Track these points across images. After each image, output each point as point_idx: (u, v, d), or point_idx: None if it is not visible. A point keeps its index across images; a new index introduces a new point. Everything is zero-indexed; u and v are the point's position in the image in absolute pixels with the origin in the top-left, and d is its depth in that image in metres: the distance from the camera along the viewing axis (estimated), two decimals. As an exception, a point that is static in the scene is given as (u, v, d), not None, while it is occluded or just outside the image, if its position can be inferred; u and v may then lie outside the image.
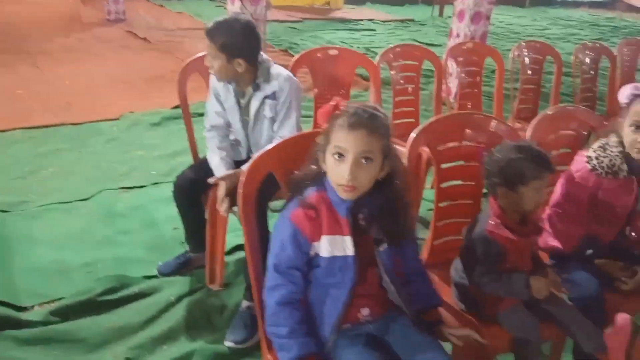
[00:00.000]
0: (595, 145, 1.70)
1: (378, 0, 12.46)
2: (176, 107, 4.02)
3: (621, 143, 1.66)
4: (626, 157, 1.64)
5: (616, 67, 3.68)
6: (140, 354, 1.90)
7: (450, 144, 1.72)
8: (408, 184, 1.36)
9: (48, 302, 2.13)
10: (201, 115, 2.47)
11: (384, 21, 10.06)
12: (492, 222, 1.48)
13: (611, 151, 1.65)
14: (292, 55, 6.34)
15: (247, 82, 2.03)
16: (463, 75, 3.16)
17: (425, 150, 1.80)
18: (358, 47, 7.50)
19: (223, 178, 1.93)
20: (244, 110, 2.09)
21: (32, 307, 2.11)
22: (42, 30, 6.82)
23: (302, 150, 1.36)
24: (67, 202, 2.86)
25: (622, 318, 1.44)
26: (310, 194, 1.29)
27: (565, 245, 1.74)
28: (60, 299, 2.14)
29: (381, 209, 1.30)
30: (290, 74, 2.09)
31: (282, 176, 1.42)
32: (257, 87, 2.03)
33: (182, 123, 2.38)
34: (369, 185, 1.26)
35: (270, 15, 9.30)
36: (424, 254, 1.79)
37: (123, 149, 3.62)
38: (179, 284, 2.25)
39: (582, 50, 3.51)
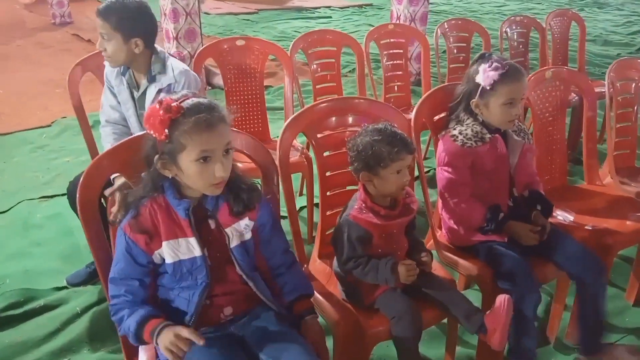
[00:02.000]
0: (451, 125, 1.75)
1: (337, -13, 12.32)
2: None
3: (471, 114, 1.73)
4: (481, 123, 1.72)
5: (546, 39, 3.66)
6: (38, 369, 1.84)
7: (329, 131, 1.67)
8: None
9: (-50, 322, 2.05)
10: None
11: (341, 8, 9.95)
12: (356, 207, 1.45)
13: (467, 123, 1.71)
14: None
15: (143, 70, 1.94)
16: (385, 59, 3.11)
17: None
18: (311, 35, 7.42)
19: (119, 188, 1.84)
20: (138, 102, 2.01)
21: None
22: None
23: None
24: (-18, 216, 2.77)
25: (501, 299, 1.42)
26: (145, 203, 1.23)
27: (472, 224, 1.73)
28: (-39, 317, 2.06)
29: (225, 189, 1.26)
30: (187, 67, 2.02)
31: (129, 177, 1.36)
32: (152, 79, 1.95)
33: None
34: None
35: (224, 8, 9.22)
36: (315, 244, 1.75)
37: (50, 157, 3.51)
38: (88, 293, 2.18)
39: (508, 24, 3.48)
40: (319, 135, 1.67)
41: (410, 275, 1.41)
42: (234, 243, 1.28)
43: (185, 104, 1.16)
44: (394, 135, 1.40)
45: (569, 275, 1.73)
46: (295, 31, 7.70)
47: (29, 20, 8.03)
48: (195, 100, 1.18)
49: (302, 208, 2.81)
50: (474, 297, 1.80)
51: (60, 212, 2.79)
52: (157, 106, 1.15)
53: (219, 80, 3.78)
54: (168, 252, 1.23)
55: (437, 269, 1.66)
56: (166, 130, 1.14)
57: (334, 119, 1.69)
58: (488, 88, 1.65)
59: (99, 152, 2.28)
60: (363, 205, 1.45)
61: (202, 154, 1.16)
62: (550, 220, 1.80)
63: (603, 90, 2.74)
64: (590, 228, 1.90)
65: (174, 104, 1.15)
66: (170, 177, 1.22)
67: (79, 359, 1.89)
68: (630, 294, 2.18)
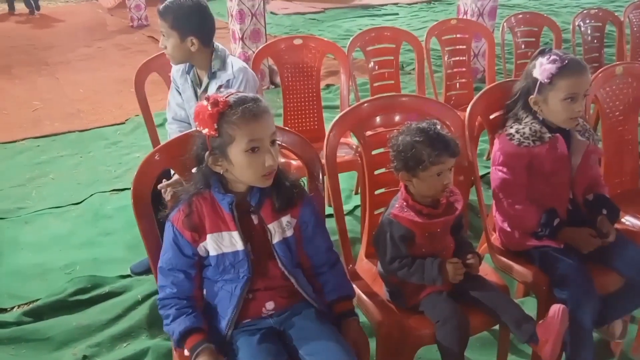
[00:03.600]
0: (508, 123, 1.68)
1: (406, -17, 12.13)
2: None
3: (530, 112, 1.65)
4: (541, 122, 1.65)
5: (623, 33, 3.41)
6: (98, 352, 1.96)
7: (378, 130, 1.65)
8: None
9: (26, 304, 2.23)
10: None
11: (409, 4, 9.80)
12: (397, 206, 1.42)
13: (525, 122, 1.63)
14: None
15: (203, 67, 2.02)
16: (447, 55, 3.03)
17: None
18: (376, 33, 7.37)
19: (171, 184, 1.92)
20: (200, 99, 2.09)
21: (12, 308, 2.21)
22: (65, 41, 7.08)
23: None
24: (60, 207, 2.98)
25: (555, 308, 1.34)
26: (192, 197, 1.28)
27: (526, 228, 1.66)
28: (36, 300, 2.23)
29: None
30: (246, 65, 2.07)
31: (181, 171, 1.41)
32: (213, 76, 2.02)
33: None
34: None
35: (292, 8, 9.35)
36: (363, 243, 1.74)
37: (122, 152, 3.72)
38: (149, 282, 2.29)
39: (582, 17, 3.28)
40: (367, 134, 1.65)
41: (457, 274, 1.37)
42: (276, 239, 1.30)
43: (231, 98, 1.21)
44: (436, 136, 1.36)
45: (631, 282, 1.60)
46: (360, 29, 7.64)
47: (110, 23, 8.55)
48: (240, 94, 1.23)
49: (357, 207, 2.80)
50: (532, 305, 1.73)
51: (128, 204, 2.86)
52: (205, 102, 1.19)
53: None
54: (212, 244, 1.27)
55: (490, 274, 1.60)
56: (215, 125, 1.19)
57: (383, 116, 1.67)
58: (546, 82, 1.57)
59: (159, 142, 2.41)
60: (404, 204, 1.42)
61: (251, 144, 1.20)
62: (616, 226, 1.69)
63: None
64: (660, 236, 1.76)
65: (221, 98, 1.20)
66: (221, 172, 1.26)
67: (138, 344, 1.99)
68: None
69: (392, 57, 2.87)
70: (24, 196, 3.11)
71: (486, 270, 1.62)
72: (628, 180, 2.07)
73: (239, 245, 1.27)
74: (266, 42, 4.96)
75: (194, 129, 2.10)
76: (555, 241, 1.61)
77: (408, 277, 1.41)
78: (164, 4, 1.92)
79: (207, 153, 1.23)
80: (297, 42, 2.61)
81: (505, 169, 1.65)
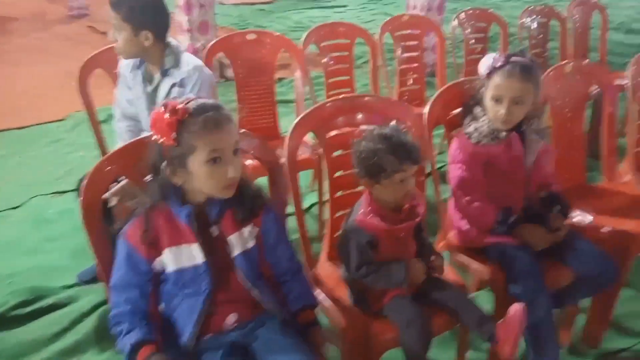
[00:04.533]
0: (466, 121, 1.69)
1: (353, -26, 12.14)
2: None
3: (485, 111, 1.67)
4: None
5: (567, 30, 3.54)
6: (47, 368, 1.85)
7: (337, 131, 1.62)
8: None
9: (-38, 319, 2.07)
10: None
11: (357, -4, 9.83)
12: (362, 211, 1.41)
13: (483, 120, 1.66)
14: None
15: (156, 63, 1.92)
16: (400, 51, 3.04)
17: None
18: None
19: (115, 192, 1.81)
20: (150, 97, 1.98)
21: (-54, 324, 2.05)
22: (1, 31, 6.66)
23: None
24: (-1, 212, 2.79)
25: (514, 308, 1.37)
26: (146, 210, 1.21)
27: (484, 225, 1.68)
28: (-27, 315, 2.08)
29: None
30: (202, 64, 1.99)
31: (136, 181, 1.33)
32: (165, 73, 1.92)
33: None
34: None
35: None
36: (324, 247, 1.72)
37: (64, 151, 3.53)
38: (97, 292, 2.17)
39: (528, 14, 3.37)
40: (328, 135, 1.62)
41: (420, 274, 1.38)
42: (235, 252, 1.25)
43: (190, 106, 1.14)
44: (399, 143, 1.35)
45: (583, 277, 1.66)
46: (310, 21, 7.62)
47: (49, 12, 8.08)
48: (199, 101, 1.16)
49: (312, 205, 2.78)
50: (486, 299, 1.76)
51: (72, 207, 2.78)
52: (162, 110, 1.12)
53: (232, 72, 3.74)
54: (170, 259, 1.21)
55: (448, 272, 1.61)
56: (174, 134, 1.12)
57: (344, 117, 1.64)
58: (485, 77, 1.62)
59: (109, 148, 2.29)
60: (369, 209, 1.41)
61: (213, 154, 1.14)
62: (566, 221, 1.74)
63: (625, 82, 2.65)
64: (609, 229, 1.83)
65: (180, 106, 1.13)
66: (179, 183, 1.19)
67: (88, 358, 1.89)
68: (650, 297, 2.11)
69: (347, 53, 2.85)
70: (-44, 200, 2.90)
71: (445, 269, 1.63)
72: (577, 176, 2.15)
73: (199, 259, 1.21)
74: (216, 34, 4.85)
75: (145, 127, 2.04)
76: (511, 238, 1.64)
77: (375, 283, 1.40)
78: None
79: (165, 163, 1.16)
80: (251, 37, 2.54)
81: (464, 167, 1.67)
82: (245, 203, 1.25)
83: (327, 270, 1.66)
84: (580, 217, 1.92)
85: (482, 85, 1.68)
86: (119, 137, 2.07)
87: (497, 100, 1.60)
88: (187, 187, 1.21)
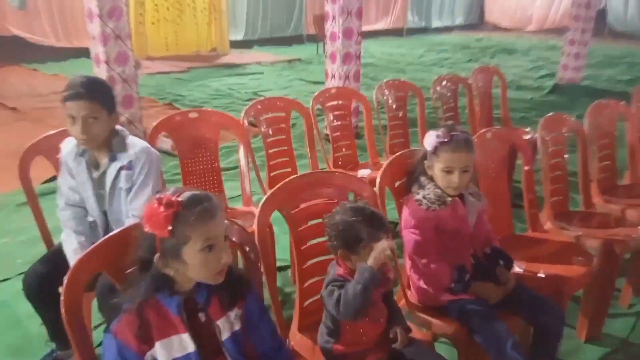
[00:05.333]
0: (414, 189, 1.88)
1: (265, 43, 12.66)
2: (48, 180, 3.74)
3: (431, 178, 1.86)
4: (440, 188, 1.84)
5: (472, 94, 3.97)
6: None
7: (303, 205, 1.72)
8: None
9: None
10: (54, 193, 2.29)
11: (271, 62, 10.24)
12: (342, 269, 1.52)
13: (429, 188, 1.84)
14: (178, 109, 6.26)
15: (104, 148, 1.93)
16: (332, 119, 3.24)
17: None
18: (246, 92, 7.56)
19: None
20: (98, 183, 1.97)
21: None
22: None
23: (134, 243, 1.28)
24: None
25: None
26: (133, 304, 1.21)
27: (441, 284, 1.82)
28: None
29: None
30: (148, 145, 2.02)
31: (115, 275, 1.33)
32: (113, 158, 1.93)
33: (55, 198, 2.11)
34: None
35: (154, 68, 9.19)
36: (295, 318, 1.77)
37: (-14, 238, 3.30)
38: (47, 389, 2.05)
39: (439, 83, 3.76)
40: (293, 211, 1.71)
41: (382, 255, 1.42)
42: (225, 335, 1.28)
43: (183, 198, 1.19)
44: (372, 215, 1.48)
45: (533, 325, 1.84)
46: (229, 88, 7.82)
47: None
48: (190, 192, 1.22)
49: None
50: (444, 351, 1.88)
51: (4, 299, 2.62)
52: (156, 204, 1.16)
53: (166, 145, 3.76)
54: (161, 352, 1.21)
55: (414, 330, 1.72)
56: (170, 226, 1.16)
57: (306, 192, 1.75)
58: (432, 152, 1.81)
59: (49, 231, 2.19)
60: (346, 272, 1.51)
61: (207, 242, 1.19)
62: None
63: (529, 136, 3.06)
64: (543, 275, 2.05)
65: (174, 198, 1.17)
66: (171, 274, 1.22)
67: None
68: (581, 331, 2.35)
69: (284, 125, 3.00)
70: None
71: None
72: (505, 228, 2.39)
73: (190, 348, 1.23)
74: (139, 105, 4.85)
75: (91, 212, 2.00)
76: (467, 294, 1.80)
77: (351, 300, 1.42)
78: (82, 86, 1.80)
79: (157, 256, 1.19)
80: (193, 115, 2.62)
81: (417, 232, 1.82)
82: (232, 287, 1.30)
83: (300, 341, 1.70)
84: (515, 267, 2.13)
85: (424, 157, 1.87)
86: (64, 226, 2.02)
87: (448, 171, 1.79)
88: (177, 278, 1.24)
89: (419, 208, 1.82)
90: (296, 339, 1.72)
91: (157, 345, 1.21)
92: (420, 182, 1.88)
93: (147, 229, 1.18)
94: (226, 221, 1.46)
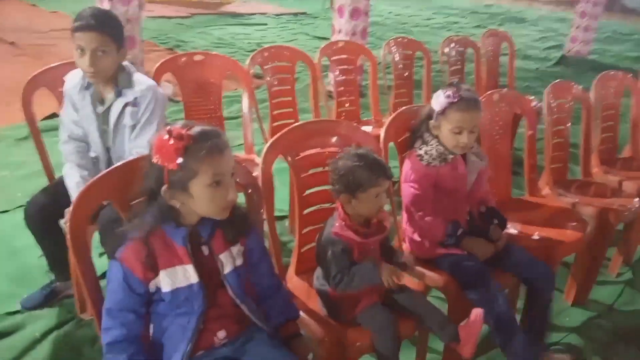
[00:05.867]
0: (417, 144, 1.89)
1: (271, -7, 12.35)
2: (48, 117, 3.70)
3: (435, 136, 1.85)
4: (443, 145, 1.84)
5: (480, 58, 3.92)
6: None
7: (307, 152, 1.73)
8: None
9: None
10: (54, 130, 2.28)
11: (276, 15, 10.03)
12: (337, 224, 1.53)
13: (431, 144, 1.85)
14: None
15: (110, 84, 1.90)
16: (337, 73, 3.21)
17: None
18: (249, 42, 7.44)
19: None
20: (102, 118, 1.95)
21: None
22: None
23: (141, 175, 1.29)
24: None
25: (475, 312, 1.54)
26: (139, 232, 1.23)
27: (435, 238, 1.86)
28: None
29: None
30: (155, 84, 1.99)
31: (121, 205, 1.35)
32: (119, 94, 1.90)
33: (55, 135, 2.13)
34: None
35: (157, 11, 8.98)
36: (292, 262, 1.81)
37: (-12, 170, 3.31)
38: (46, 317, 2.10)
39: (447, 44, 3.71)
40: (297, 158, 1.72)
41: (393, 275, 1.50)
42: (227, 269, 1.31)
43: (193, 132, 1.19)
44: (374, 161, 1.49)
45: (523, 281, 1.90)
46: (233, 38, 7.68)
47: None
48: (200, 127, 1.22)
49: (282, 217, 2.84)
50: (435, 303, 1.93)
51: (2, 231, 2.65)
52: (166, 136, 1.16)
53: (167, 90, 3.73)
54: (166, 280, 1.24)
55: (408, 281, 1.76)
56: (179, 159, 1.16)
57: (311, 140, 1.75)
58: (440, 113, 1.80)
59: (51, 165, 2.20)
60: (343, 223, 1.53)
61: (215, 178, 1.20)
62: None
63: (535, 103, 3.04)
64: (537, 238, 2.09)
65: (184, 132, 1.17)
66: (177, 206, 1.23)
67: (44, 386, 1.83)
68: (569, 295, 2.41)
69: (289, 75, 2.97)
70: None
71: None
72: (503, 191, 2.41)
73: (193, 278, 1.25)
74: (143, 48, 4.76)
75: (94, 147, 2.00)
76: (460, 249, 1.84)
77: (350, 285, 1.50)
78: (93, 17, 1.76)
79: (165, 187, 1.20)
80: (198, 58, 2.58)
81: (416, 186, 1.84)
82: (235, 223, 1.31)
83: (296, 284, 1.75)
84: (509, 227, 2.17)
85: (429, 116, 1.87)
86: (66, 159, 2.01)
87: (458, 132, 1.79)
88: (183, 210, 1.25)
89: (419, 163, 1.83)
90: (293, 282, 1.76)
91: (162, 274, 1.23)
92: (424, 138, 1.89)
93: (156, 160, 1.19)
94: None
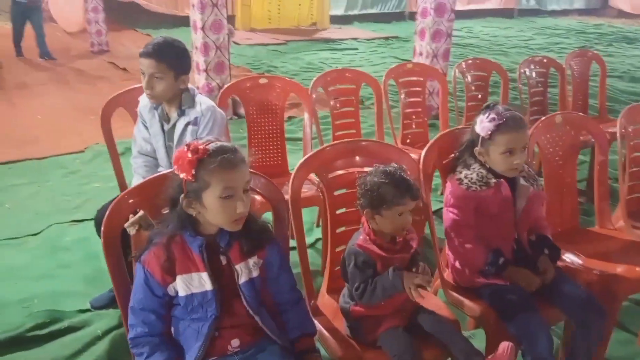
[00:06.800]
0: (458, 168, 1.83)
1: (365, 19, 12.58)
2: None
3: (476, 159, 1.80)
4: (487, 169, 1.78)
5: (565, 79, 3.70)
6: (59, 388, 1.94)
7: (340, 172, 1.75)
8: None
9: (-21, 339, 2.17)
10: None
11: (367, 39, 10.17)
12: (362, 237, 1.54)
13: (473, 168, 1.78)
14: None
15: (174, 104, 2.09)
16: (404, 95, 3.20)
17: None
18: (337, 66, 7.59)
19: (135, 222, 1.81)
20: (168, 136, 2.14)
21: (-37, 344, 2.15)
22: (25, 65, 6.96)
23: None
24: (16, 238, 2.93)
25: (504, 345, 1.46)
26: (163, 238, 1.33)
27: (475, 266, 1.79)
28: (-9, 334, 2.19)
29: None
30: (214, 104, 2.15)
31: (152, 213, 1.46)
32: (182, 113, 2.08)
33: None
34: None
35: (255, 39, 9.51)
36: (325, 280, 1.82)
37: (81, 182, 3.69)
38: (109, 317, 2.29)
39: (526, 65, 3.54)
40: (330, 176, 1.75)
41: (417, 281, 1.45)
42: (242, 279, 1.36)
43: (210, 147, 1.29)
44: (400, 180, 1.48)
45: (570, 318, 1.75)
46: (321, 62, 7.91)
47: (73, 47, 8.43)
48: (219, 144, 1.31)
49: (318, 240, 2.89)
50: (481, 338, 1.83)
51: (87, 236, 2.93)
52: (185, 149, 1.27)
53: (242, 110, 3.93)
54: (181, 285, 1.32)
55: (442, 309, 1.70)
56: (193, 170, 1.26)
57: (345, 160, 1.78)
58: (486, 138, 1.73)
59: (126, 180, 2.43)
60: (367, 238, 1.54)
61: (225, 191, 1.27)
62: (558, 263, 1.84)
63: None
64: (597, 273, 1.92)
65: (201, 146, 1.27)
66: (193, 214, 1.32)
67: (99, 380, 1.99)
68: (641, 339, 2.17)
69: (353, 97, 3.01)
70: (-22, 226, 3.04)
71: (439, 305, 1.73)
72: (569, 219, 2.25)
73: (208, 286, 1.32)
74: (230, 73, 5.08)
75: (161, 162, 2.18)
76: (502, 279, 1.74)
77: (373, 295, 1.49)
78: (153, 45, 1.96)
79: (182, 196, 1.30)
80: (263, 81, 2.72)
81: (455, 211, 1.78)
82: (251, 236, 1.37)
83: (326, 302, 1.76)
84: (570, 259, 2.02)
85: (472, 143, 1.81)
86: (135, 172, 2.21)
87: (510, 153, 1.71)
88: (200, 220, 1.34)
89: (459, 187, 1.77)
90: (324, 300, 1.77)
91: (178, 279, 1.32)
92: (467, 161, 1.83)
93: (176, 170, 1.29)
94: (257, 175, 1.54)
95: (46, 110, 5.23)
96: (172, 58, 1.98)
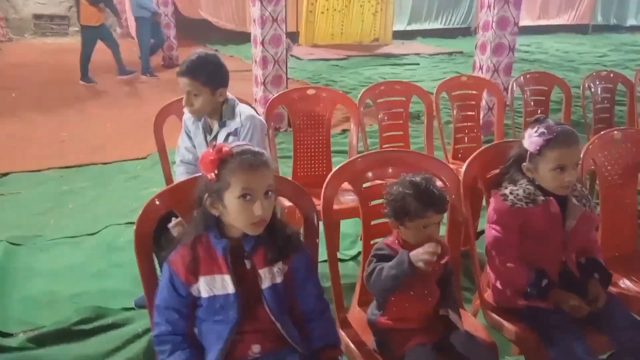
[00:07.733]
0: (504, 184, 1.74)
1: (429, 34, 12.44)
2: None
3: (524, 174, 1.71)
4: (535, 185, 1.69)
5: (634, 95, 3.47)
6: (97, 382, 2.02)
7: (376, 182, 1.73)
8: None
9: (32, 330, 2.30)
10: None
11: (430, 55, 10.04)
12: (391, 238, 1.53)
13: (520, 184, 1.69)
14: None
15: (216, 116, 2.15)
16: (456, 109, 3.12)
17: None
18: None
19: (180, 222, 1.98)
20: (210, 145, 2.20)
21: (18, 334, 2.29)
22: (97, 76, 7.38)
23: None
24: (75, 237, 3.10)
25: None
26: (189, 239, 1.35)
27: (516, 286, 1.70)
28: (42, 327, 2.31)
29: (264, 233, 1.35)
30: (254, 113, 2.19)
31: (184, 213, 1.50)
32: (223, 125, 2.15)
33: None
34: None
35: (317, 54, 9.65)
36: (356, 292, 1.79)
37: (140, 187, 3.85)
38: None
39: (591, 80, 3.36)
40: (364, 185, 1.72)
41: (423, 254, 1.39)
42: (265, 284, 1.36)
43: (235, 149, 1.31)
44: (426, 191, 1.43)
45: (620, 348, 1.60)
46: (380, 77, 7.87)
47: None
48: (244, 146, 1.32)
49: (360, 253, 2.84)
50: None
51: (138, 238, 3.05)
52: (211, 150, 1.30)
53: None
54: (204, 286, 1.33)
55: (479, 330, 1.62)
56: (215, 170, 1.28)
57: (380, 170, 1.75)
58: (535, 153, 1.64)
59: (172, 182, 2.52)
60: (396, 241, 1.51)
61: (244, 192, 1.28)
62: (612, 288, 1.71)
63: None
64: (655, 301, 1.77)
65: (226, 148, 1.30)
66: (217, 215, 1.34)
67: (135, 377, 2.05)
68: None
69: (402, 110, 2.97)
70: (42, 224, 3.25)
71: (476, 326, 1.65)
72: (626, 243, 2.09)
73: (230, 289, 1.33)
74: (286, 86, 5.17)
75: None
76: (545, 302, 1.63)
77: (380, 278, 1.44)
78: (187, 64, 2.03)
79: (206, 195, 1.32)
80: (310, 92, 2.74)
81: (498, 228, 1.70)
82: (277, 243, 1.37)
83: (356, 315, 1.72)
84: (626, 285, 1.87)
85: (520, 158, 1.72)
86: (177, 179, 2.29)
87: (562, 169, 1.62)
88: (224, 221, 1.35)
89: (503, 203, 1.69)
90: (354, 313, 1.74)
91: (201, 280, 1.34)
92: (513, 176, 1.74)
93: (202, 171, 1.32)
94: (288, 182, 1.54)
95: (116, 119, 5.53)
96: (207, 74, 2.03)
